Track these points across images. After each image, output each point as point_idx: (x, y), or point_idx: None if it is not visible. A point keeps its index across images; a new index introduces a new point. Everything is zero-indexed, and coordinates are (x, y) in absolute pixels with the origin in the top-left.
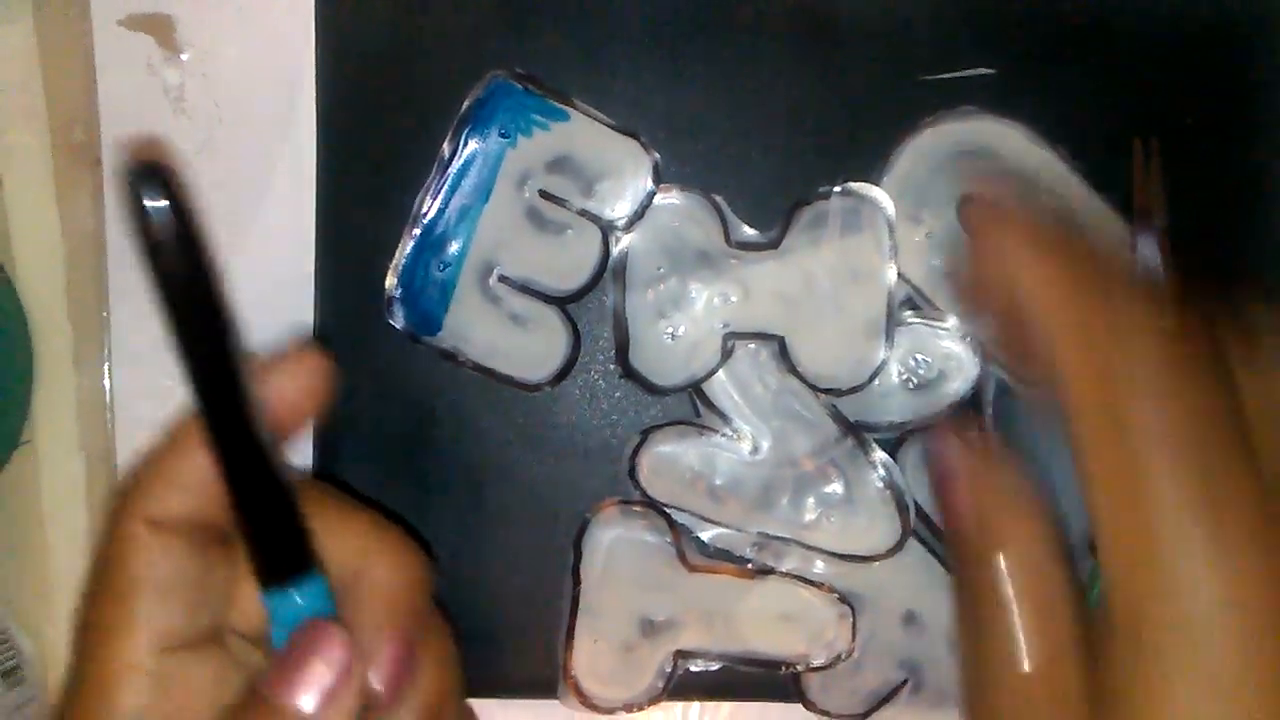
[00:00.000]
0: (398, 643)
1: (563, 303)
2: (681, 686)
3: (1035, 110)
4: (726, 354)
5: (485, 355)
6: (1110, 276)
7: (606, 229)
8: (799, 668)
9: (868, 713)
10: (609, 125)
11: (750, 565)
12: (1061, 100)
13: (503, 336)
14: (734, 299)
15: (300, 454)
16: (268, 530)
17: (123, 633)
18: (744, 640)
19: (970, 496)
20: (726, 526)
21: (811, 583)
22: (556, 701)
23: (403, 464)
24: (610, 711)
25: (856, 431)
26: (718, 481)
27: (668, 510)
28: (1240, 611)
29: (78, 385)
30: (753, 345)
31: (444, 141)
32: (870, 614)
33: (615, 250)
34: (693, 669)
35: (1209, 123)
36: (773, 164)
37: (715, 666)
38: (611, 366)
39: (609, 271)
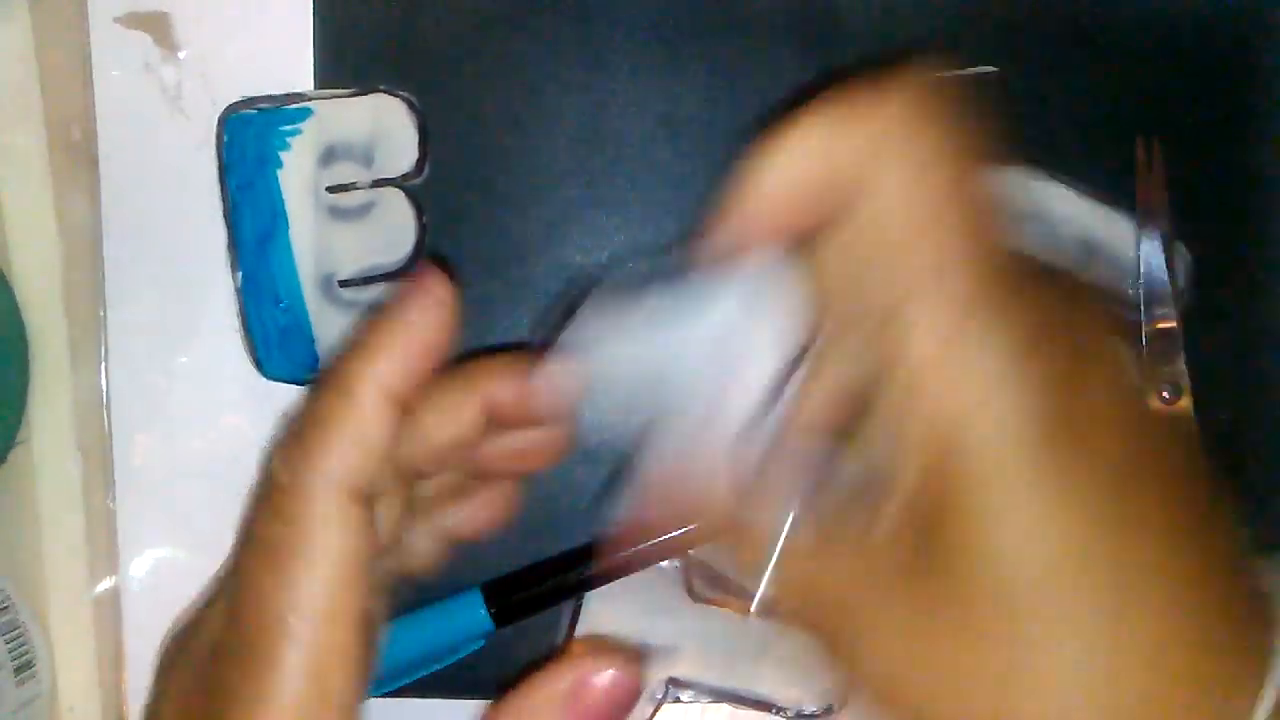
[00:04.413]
0: None
1: (406, 272)
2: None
3: (1035, 110)
4: None
5: None
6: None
7: (403, 186)
8: (789, 713)
9: None
10: (349, 94)
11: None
12: (1062, 100)
13: None
14: None
15: None
16: None
17: (337, 623)
18: (737, 677)
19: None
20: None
21: None
22: None
23: None
24: None
25: None
26: None
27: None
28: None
29: (74, 385)
30: None
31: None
32: None
33: None
34: (683, 699)
35: (1209, 123)
36: None
37: (706, 700)
38: None
39: None
